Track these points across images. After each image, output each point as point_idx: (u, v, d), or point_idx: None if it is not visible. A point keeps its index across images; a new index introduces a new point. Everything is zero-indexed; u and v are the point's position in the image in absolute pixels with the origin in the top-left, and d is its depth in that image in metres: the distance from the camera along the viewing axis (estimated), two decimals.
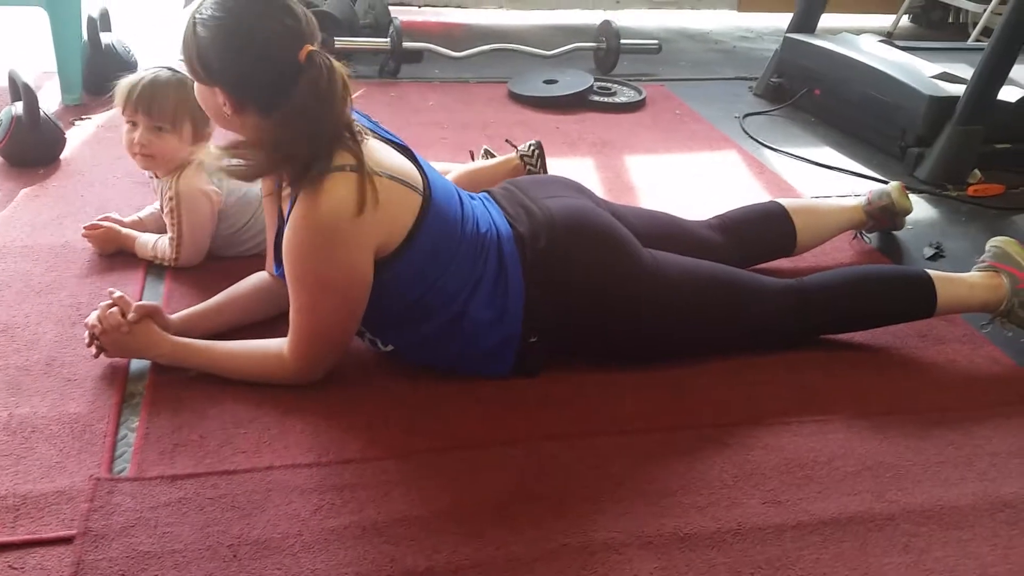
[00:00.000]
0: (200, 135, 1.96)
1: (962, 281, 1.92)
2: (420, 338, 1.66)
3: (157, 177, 2.02)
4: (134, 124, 1.93)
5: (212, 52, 1.48)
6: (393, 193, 1.54)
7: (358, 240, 1.52)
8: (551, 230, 1.69)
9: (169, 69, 1.95)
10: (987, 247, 2.00)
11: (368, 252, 1.54)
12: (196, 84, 1.56)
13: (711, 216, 2.10)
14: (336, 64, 1.50)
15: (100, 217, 2.10)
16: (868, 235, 2.39)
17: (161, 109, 1.90)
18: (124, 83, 1.92)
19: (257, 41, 1.47)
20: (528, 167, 2.27)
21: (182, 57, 1.53)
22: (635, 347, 1.77)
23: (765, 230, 2.10)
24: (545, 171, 2.27)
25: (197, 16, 1.49)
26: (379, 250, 1.55)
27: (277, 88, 1.47)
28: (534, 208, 1.74)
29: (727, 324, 1.81)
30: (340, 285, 1.55)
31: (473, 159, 2.48)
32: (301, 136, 1.47)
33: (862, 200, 2.30)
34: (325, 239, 1.50)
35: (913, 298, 1.90)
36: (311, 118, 1.47)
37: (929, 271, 1.91)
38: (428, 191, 1.60)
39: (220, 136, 1.75)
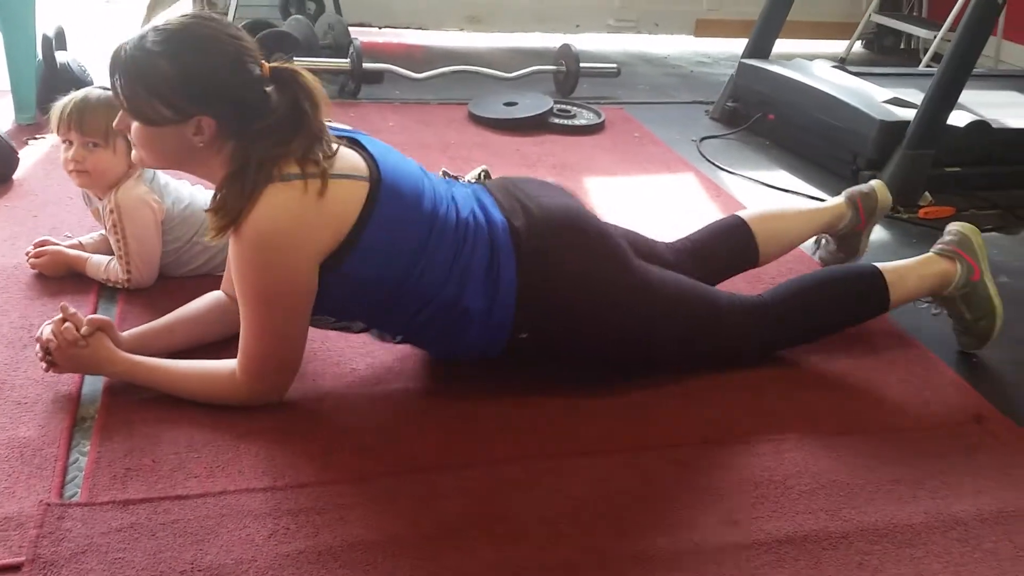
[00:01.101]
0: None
1: (912, 272, 1.95)
2: (419, 324, 1.65)
3: (99, 199, 2.01)
4: (69, 143, 1.93)
5: (188, 79, 1.47)
6: (336, 191, 1.52)
7: (299, 251, 1.51)
8: (548, 227, 1.69)
9: (102, 88, 1.95)
10: (948, 229, 2.01)
11: (308, 261, 1.52)
12: (149, 132, 1.52)
13: (674, 239, 2.11)
14: (305, 73, 1.54)
15: (36, 242, 2.07)
16: (829, 241, 2.36)
17: (93, 125, 1.90)
18: (57, 104, 1.94)
19: (227, 57, 1.49)
20: None
21: (144, 101, 1.49)
22: (618, 349, 1.77)
23: (726, 246, 2.09)
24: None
25: (150, 52, 1.47)
26: (323, 252, 1.53)
27: (253, 104, 1.51)
28: (530, 205, 1.73)
29: (703, 335, 1.83)
30: (284, 296, 1.54)
31: None
32: (278, 150, 1.49)
33: (840, 197, 2.28)
34: (265, 252, 1.50)
35: (868, 300, 1.94)
36: (288, 131, 1.50)
37: (879, 266, 1.94)
38: (377, 173, 1.58)
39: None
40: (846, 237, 2.31)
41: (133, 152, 1.61)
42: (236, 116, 1.51)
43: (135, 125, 1.53)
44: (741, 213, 2.15)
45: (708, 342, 1.84)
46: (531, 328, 1.67)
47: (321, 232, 1.52)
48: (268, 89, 1.53)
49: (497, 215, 1.70)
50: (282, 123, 1.51)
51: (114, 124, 1.58)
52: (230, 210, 1.49)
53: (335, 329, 1.71)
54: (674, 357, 1.84)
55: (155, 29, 1.49)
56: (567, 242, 1.70)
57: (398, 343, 1.75)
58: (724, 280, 2.08)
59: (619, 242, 1.78)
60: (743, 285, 2.14)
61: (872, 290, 1.93)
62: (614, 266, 1.74)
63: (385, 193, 1.57)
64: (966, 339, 2.03)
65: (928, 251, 2.03)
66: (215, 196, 1.53)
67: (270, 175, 1.48)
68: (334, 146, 1.56)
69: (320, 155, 1.52)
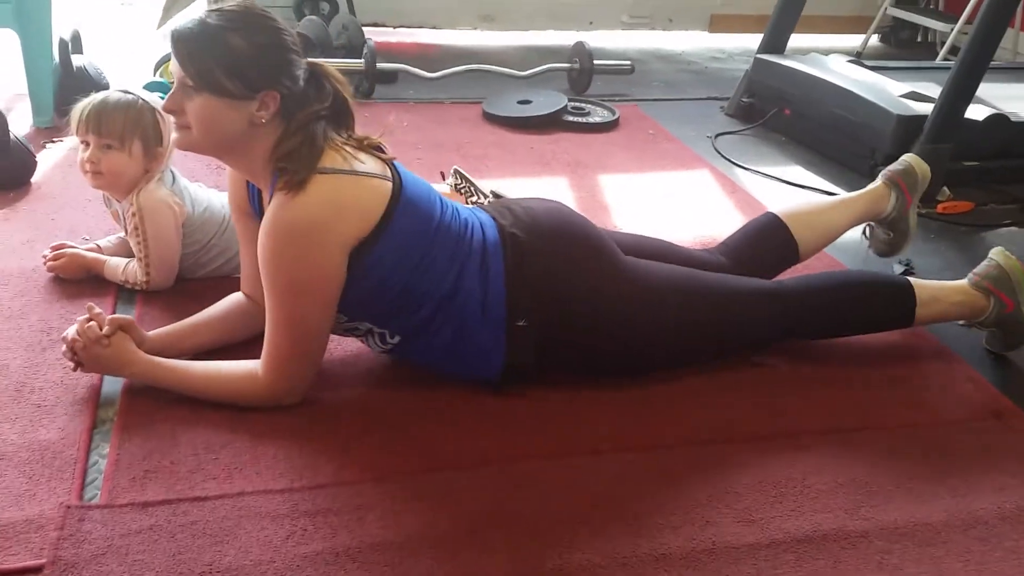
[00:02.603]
0: (151, 154, 1.96)
1: (946, 297, 1.93)
2: (418, 322, 1.65)
3: (118, 201, 2.02)
4: (86, 144, 1.95)
5: (260, 53, 1.53)
6: (361, 186, 1.57)
7: (332, 240, 1.54)
8: (531, 223, 1.73)
9: (121, 91, 1.98)
10: (991, 258, 1.96)
11: (340, 251, 1.55)
12: (216, 106, 1.53)
13: (711, 243, 2.09)
14: (333, 70, 1.64)
15: (54, 245, 2.08)
16: (877, 229, 2.29)
17: (109, 127, 1.92)
18: (77, 106, 1.95)
19: (288, 38, 1.57)
20: (465, 195, 2.34)
21: (217, 74, 1.51)
22: (620, 349, 1.76)
23: (766, 247, 2.06)
24: (476, 189, 2.36)
25: (219, 27, 1.51)
26: (352, 243, 1.56)
27: (306, 88, 1.59)
28: (517, 208, 1.78)
29: (705, 326, 1.81)
30: (316, 286, 1.56)
31: (444, 179, 2.49)
32: (329, 133, 1.59)
33: (876, 181, 2.23)
34: (299, 240, 1.52)
35: (893, 310, 1.92)
36: (336, 117, 1.62)
37: (912, 281, 1.92)
38: (398, 177, 1.63)
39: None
40: (895, 221, 2.22)
41: (176, 135, 1.59)
42: (296, 95, 1.57)
43: (199, 101, 1.53)
44: (774, 210, 2.13)
45: (711, 333, 1.83)
46: (527, 313, 1.67)
47: (353, 225, 1.56)
48: (316, 77, 1.62)
49: (486, 216, 1.76)
50: (332, 108, 1.61)
51: (164, 105, 1.58)
52: (303, 165, 1.53)
53: (342, 331, 1.71)
54: (673, 348, 1.81)
55: (215, 11, 1.54)
56: (551, 237, 1.73)
57: (393, 346, 1.71)
58: (770, 279, 2.06)
59: (603, 241, 1.79)
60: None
61: (899, 303, 1.90)
62: (599, 257, 1.75)
63: (404, 194, 1.62)
64: (996, 343, 2.01)
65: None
66: (279, 170, 1.56)
67: (319, 157, 1.54)
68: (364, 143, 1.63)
69: (355, 148, 1.60)
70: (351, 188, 1.56)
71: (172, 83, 1.57)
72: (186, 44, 1.52)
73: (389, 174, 1.63)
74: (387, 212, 1.58)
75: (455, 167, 2.46)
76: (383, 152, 1.67)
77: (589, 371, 1.79)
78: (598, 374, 1.79)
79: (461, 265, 1.65)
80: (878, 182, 2.22)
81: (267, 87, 1.54)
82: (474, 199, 2.36)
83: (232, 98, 1.53)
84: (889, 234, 2.26)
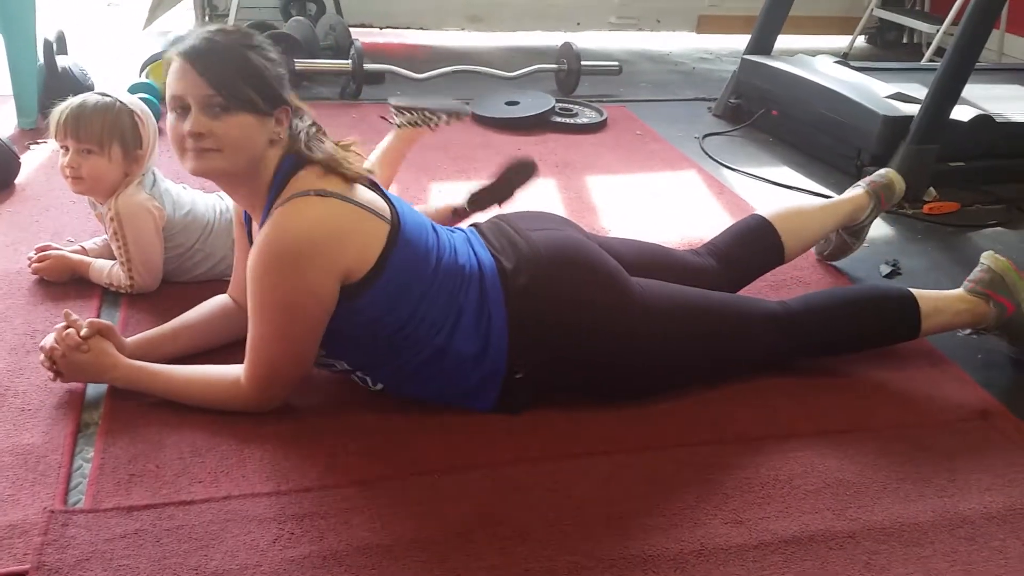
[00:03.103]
0: (131, 157, 1.94)
1: (948, 307, 1.92)
2: (406, 373, 1.63)
3: (100, 204, 2.01)
4: (66, 149, 1.93)
5: (273, 70, 1.54)
6: (363, 222, 1.55)
7: (326, 263, 1.51)
8: (535, 264, 1.67)
9: (100, 94, 1.96)
10: (981, 262, 1.97)
11: (334, 278, 1.53)
12: (247, 124, 1.50)
13: (698, 244, 2.08)
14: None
15: (38, 247, 2.07)
16: (842, 235, 2.33)
17: (88, 132, 1.90)
18: (55, 111, 1.93)
19: (282, 60, 1.58)
20: (427, 124, 2.26)
21: (246, 91, 1.48)
22: (624, 381, 1.74)
23: (753, 248, 2.07)
24: (429, 112, 2.25)
25: (233, 46, 1.50)
26: (347, 276, 1.54)
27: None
28: (519, 240, 1.72)
29: (713, 351, 1.80)
30: (304, 308, 1.53)
31: (391, 120, 2.35)
32: (325, 145, 1.60)
33: (858, 190, 2.26)
34: (294, 260, 1.50)
35: (898, 325, 1.92)
36: (318, 131, 1.62)
37: (915, 292, 1.92)
38: (397, 220, 1.60)
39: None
40: (861, 229, 2.31)
41: (196, 162, 1.51)
42: (293, 109, 1.58)
43: (233, 121, 1.48)
44: (762, 212, 2.14)
45: (719, 355, 1.81)
46: (526, 366, 1.64)
47: (349, 254, 1.53)
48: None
49: (486, 257, 1.69)
50: (313, 123, 1.62)
51: (191, 130, 1.48)
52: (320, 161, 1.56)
53: (318, 364, 1.66)
54: (681, 374, 1.80)
55: (218, 31, 1.52)
56: (555, 274, 1.68)
57: (376, 391, 1.69)
58: (753, 280, 2.08)
59: (613, 267, 1.74)
60: (762, 285, 2.14)
61: (905, 317, 1.90)
62: (608, 292, 1.70)
63: (402, 238, 1.59)
64: (1012, 350, 2.02)
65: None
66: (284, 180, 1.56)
67: (339, 163, 1.56)
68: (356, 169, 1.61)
69: (346, 172, 1.57)
70: (352, 217, 1.54)
71: (167, 97, 1.51)
72: (210, 62, 1.47)
73: (388, 212, 1.60)
74: (382, 257, 1.55)
75: (392, 104, 2.33)
76: (373, 181, 1.64)
77: (585, 394, 1.75)
78: (593, 397, 1.75)
79: (457, 316, 1.61)
80: (860, 191, 2.26)
81: (281, 103, 1.54)
82: (435, 122, 2.25)
83: (263, 115, 1.51)
84: (851, 240, 2.34)
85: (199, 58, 1.48)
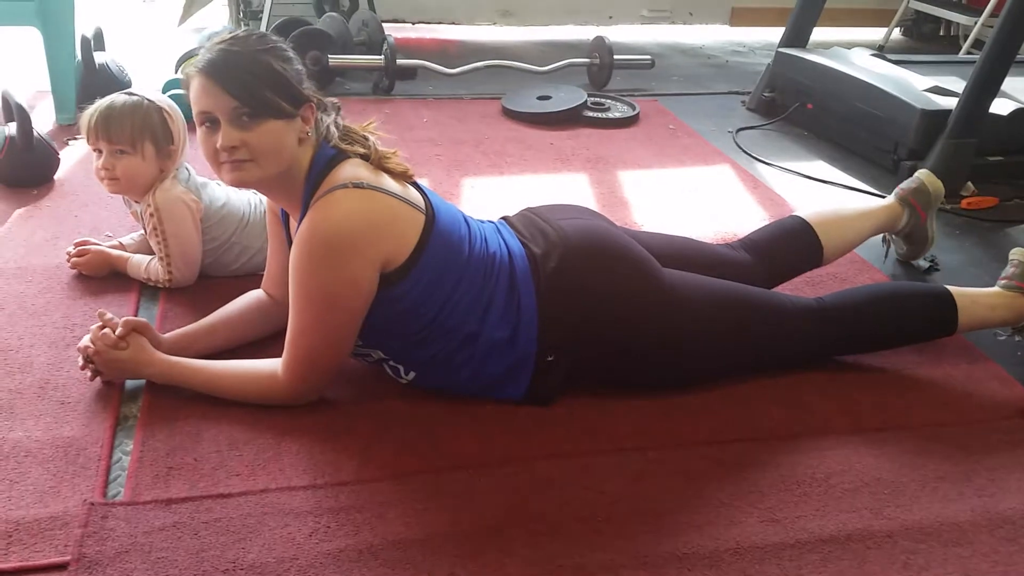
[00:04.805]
0: (164, 153, 1.96)
1: (984, 301, 1.91)
2: (439, 360, 1.65)
3: (136, 203, 2.03)
4: (99, 151, 1.95)
5: (293, 71, 1.55)
6: (400, 211, 1.57)
7: (367, 253, 1.53)
8: (565, 251, 1.68)
9: (127, 94, 1.97)
10: (1011, 258, 1.96)
11: (374, 267, 1.55)
12: (277, 129, 1.51)
13: (732, 239, 2.07)
14: None
15: (77, 242, 2.09)
16: (896, 241, 2.36)
17: (119, 133, 1.92)
18: (84, 114, 1.94)
19: (297, 58, 1.60)
20: None
21: (271, 98, 1.50)
22: (653, 369, 1.74)
23: (791, 248, 2.06)
24: None
25: (253, 52, 1.51)
26: (385, 265, 1.56)
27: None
28: (549, 229, 1.73)
29: (745, 344, 1.79)
30: (344, 298, 1.55)
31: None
32: (353, 131, 1.63)
33: (891, 197, 2.26)
34: (336, 251, 1.51)
35: (934, 320, 1.90)
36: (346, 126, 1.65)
37: (951, 289, 1.90)
38: (431, 211, 1.62)
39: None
40: (910, 234, 2.30)
41: (233, 174, 1.53)
42: (316, 103, 1.60)
43: (263, 129, 1.50)
44: (801, 214, 2.12)
45: (750, 348, 1.80)
46: (557, 349, 1.65)
47: (387, 244, 1.55)
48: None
49: (516, 244, 1.71)
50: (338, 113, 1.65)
51: (223, 144, 1.49)
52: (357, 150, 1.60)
53: (352, 355, 1.67)
54: (710, 364, 1.79)
55: (230, 40, 1.52)
56: (586, 262, 1.68)
57: (408, 382, 1.70)
58: (789, 280, 2.06)
59: (642, 254, 1.74)
60: (797, 282, 2.12)
61: (940, 311, 1.88)
62: (637, 279, 1.70)
63: (437, 228, 1.60)
64: None
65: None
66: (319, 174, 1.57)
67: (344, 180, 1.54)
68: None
69: (379, 162, 1.60)
70: (389, 207, 1.56)
71: (193, 113, 1.53)
72: (230, 74, 1.48)
73: (423, 203, 1.62)
74: (418, 246, 1.57)
75: None
76: (407, 175, 1.64)
77: (618, 385, 1.75)
78: (625, 386, 1.76)
79: (488, 302, 1.63)
80: (892, 199, 2.25)
81: (304, 100, 1.56)
82: None
83: (290, 118, 1.53)
84: (905, 246, 2.34)
85: (218, 72, 1.49)
